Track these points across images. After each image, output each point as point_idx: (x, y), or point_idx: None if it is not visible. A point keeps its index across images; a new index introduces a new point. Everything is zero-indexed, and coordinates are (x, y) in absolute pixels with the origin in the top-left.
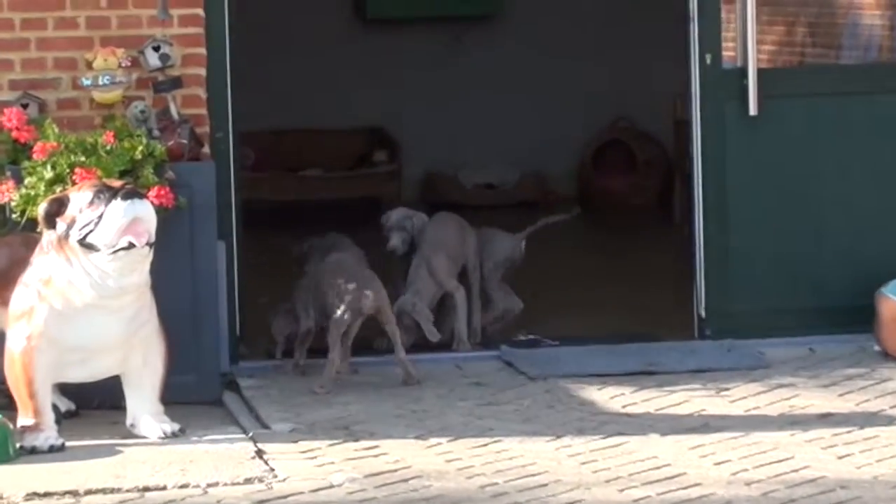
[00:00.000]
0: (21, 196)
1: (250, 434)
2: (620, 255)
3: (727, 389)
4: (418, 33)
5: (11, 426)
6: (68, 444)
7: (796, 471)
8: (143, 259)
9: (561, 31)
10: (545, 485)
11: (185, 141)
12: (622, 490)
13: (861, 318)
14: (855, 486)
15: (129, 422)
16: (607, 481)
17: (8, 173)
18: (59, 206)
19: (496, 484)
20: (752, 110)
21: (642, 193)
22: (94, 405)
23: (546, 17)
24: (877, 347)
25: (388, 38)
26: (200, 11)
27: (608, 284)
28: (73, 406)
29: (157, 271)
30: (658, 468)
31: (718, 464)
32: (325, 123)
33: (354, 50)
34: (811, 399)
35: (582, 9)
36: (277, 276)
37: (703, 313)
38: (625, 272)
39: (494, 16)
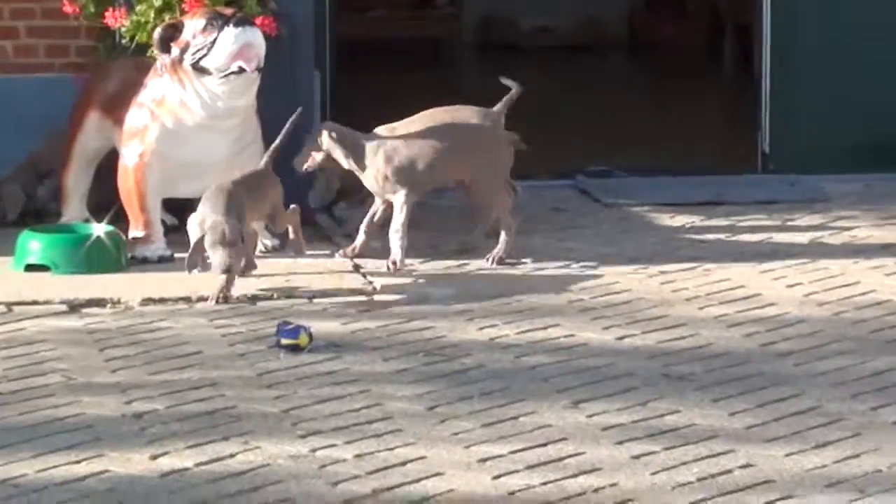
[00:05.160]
0: (132, 22)
1: (344, 251)
2: (677, 96)
3: (792, 220)
4: None
5: (123, 237)
6: (174, 255)
7: (863, 294)
8: (251, 83)
9: None
10: (629, 301)
11: None
12: (702, 308)
13: None
14: None
15: None
16: (687, 300)
17: (119, 0)
18: (173, 31)
19: (583, 300)
20: None
21: (691, 39)
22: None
23: None
24: None
25: None
26: None
27: (668, 122)
28: (175, 221)
29: (259, 96)
30: (734, 289)
31: (791, 286)
32: None
33: None
34: (870, 231)
35: None
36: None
37: (767, 149)
38: (683, 112)
39: None
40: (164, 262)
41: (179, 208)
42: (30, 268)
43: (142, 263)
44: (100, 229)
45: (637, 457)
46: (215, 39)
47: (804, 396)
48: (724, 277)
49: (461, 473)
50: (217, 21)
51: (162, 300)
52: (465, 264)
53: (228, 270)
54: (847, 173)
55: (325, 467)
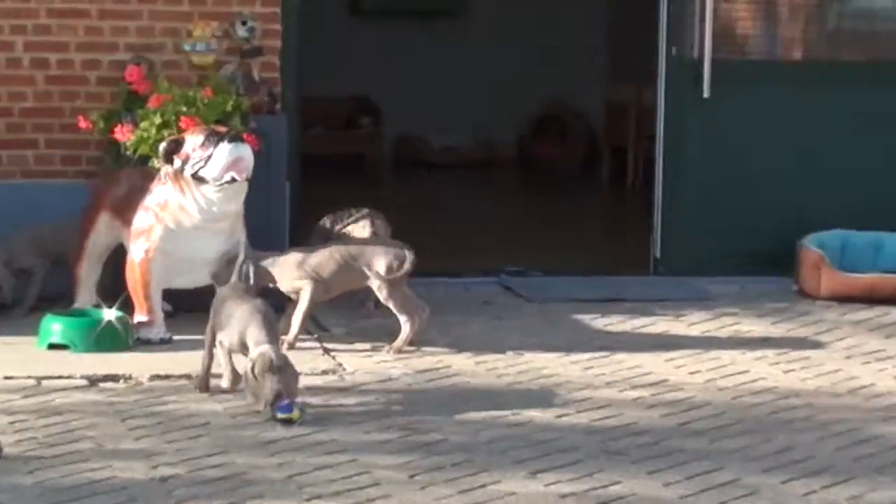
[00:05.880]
0: (136, 137)
1: (315, 335)
2: (568, 207)
3: (683, 315)
4: (400, 24)
5: (131, 321)
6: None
7: (754, 381)
8: (241, 191)
9: (511, 27)
10: (559, 384)
11: (265, 98)
12: (621, 391)
13: (782, 263)
14: (804, 395)
15: None
16: (607, 384)
17: (128, 117)
18: (176, 146)
19: (520, 383)
20: (706, 93)
21: (571, 158)
22: (186, 308)
23: (501, 14)
24: (795, 287)
25: (376, 28)
26: None
27: (565, 230)
28: (170, 308)
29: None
30: (645, 375)
31: (692, 373)
32: (323, 93)
33: (351, 37)
34: (751, 325)
35: (528, 8)
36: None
37: (658, 255)
38: (575, 220)
39: (458, 13)
40: (164, 343)
41: (171, 296)
42: (52, 346)
43: (145, 344)
44: (110, 314)
45: None
46: (212, 154)
47: (724, 470)
48: (634, 364)
49: None
50: (213, 137)
51: (167, 377)
52: (416, 350)
53: (279, 396)
54: (725, 276)
55: None
